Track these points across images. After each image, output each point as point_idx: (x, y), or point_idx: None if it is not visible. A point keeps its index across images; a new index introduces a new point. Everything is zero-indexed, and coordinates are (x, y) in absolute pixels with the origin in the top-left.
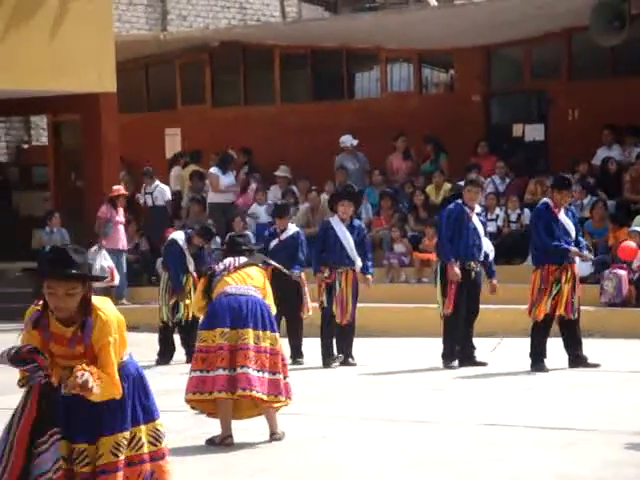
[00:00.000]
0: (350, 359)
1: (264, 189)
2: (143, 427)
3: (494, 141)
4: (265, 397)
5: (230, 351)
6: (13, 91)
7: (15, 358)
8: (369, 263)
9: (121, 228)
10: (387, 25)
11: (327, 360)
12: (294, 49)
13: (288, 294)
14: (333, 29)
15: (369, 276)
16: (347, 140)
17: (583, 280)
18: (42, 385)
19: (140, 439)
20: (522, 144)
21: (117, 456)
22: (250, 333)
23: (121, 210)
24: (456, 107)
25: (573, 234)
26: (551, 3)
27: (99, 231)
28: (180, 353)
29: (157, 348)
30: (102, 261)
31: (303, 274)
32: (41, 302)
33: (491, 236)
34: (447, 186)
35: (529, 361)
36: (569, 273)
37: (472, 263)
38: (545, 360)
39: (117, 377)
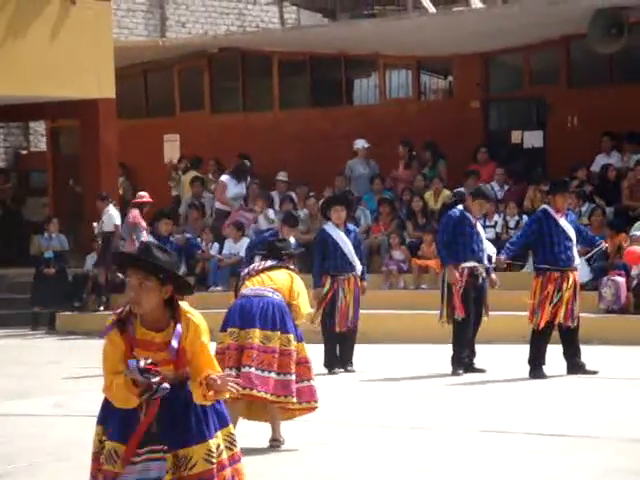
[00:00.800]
0: (349, 366)
1: (265, 197)
2: (219, 433)
3: (493, 148)
4: (269, 397)
5: (237, 350)
6: (12, 97)
7: (145, 370)
8: (364, 269)
9: (145, 234)
10: (385, 32)
11: (332, 367)
12: (293, 56)
13: None
14: (332, 36)
15: (364, 282)
16: (359, 143)
17: (581, 287)
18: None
19: (219, 445)
20: (521, 151)
21: (212, 463)
22: (256, 333)
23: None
24: (455, 114)
25: (574, 238)
26: (550, 10)
27: (131, 235)
28: None
29: None
30: None
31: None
32: (127, 308)
33: (490, 242)
34: (446, 193)
35: (528, 368)
36: (570, 280)
37: (480, 267)
38: (544, 367)
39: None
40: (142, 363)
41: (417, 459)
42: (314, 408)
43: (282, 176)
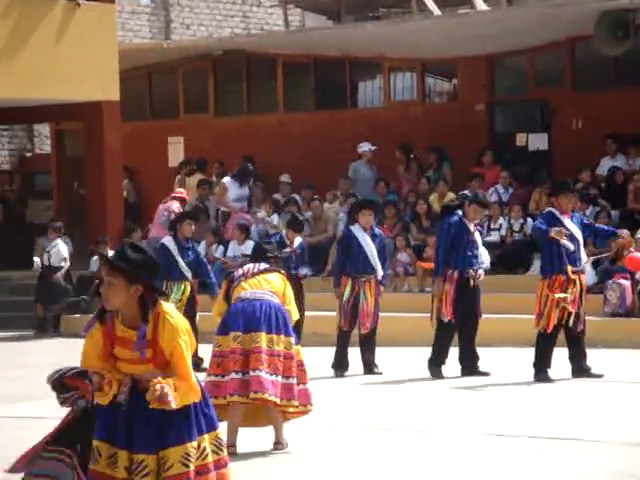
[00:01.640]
0: (375, 368)
1: (271, 201)
2: (207, 436)
3: (497, 150)
4: (278, 400)
5: (243, 355)
6: (16, 99)
7: (56, 384)
8: (385, 273)
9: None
10: (390, 34)
11: (339, 370)
12: (297, 58)
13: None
14: (336, 38)
15: (382, 287)
16: (365, 146)
17: (587, 290)
18: (81, 409)
19: (205, 448)
20: (525, 153)
21: (188, 466)
22: (263, 337)
23: None
24: (459, 116)
25: (581, 239)
26: (555, 12)
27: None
28: None
29: None
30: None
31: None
32: None
33: (494, 245)
34: (450, 195)
35: (532, 371)
36: (577, 283)
37: (470, 271)
38: (549, 370)
39: (194, 380)
40: (64, 372)
41: (420, 463)
42: (308, 411)
43: (285, 178)
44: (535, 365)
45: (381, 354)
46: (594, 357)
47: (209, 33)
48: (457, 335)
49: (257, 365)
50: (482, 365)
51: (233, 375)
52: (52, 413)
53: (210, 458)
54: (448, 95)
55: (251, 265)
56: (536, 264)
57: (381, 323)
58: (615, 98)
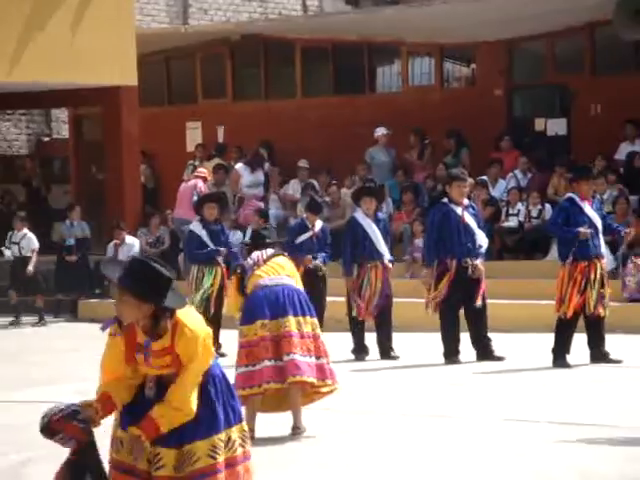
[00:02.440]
0: (392, 352)
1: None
2: (234, 428)
3: (516, 135)
4: (315, 381)
5: (273, 341)
6: (34, 84)
7: (45, 428)
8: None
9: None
10: (409, 18)
11: (359, 355)
12: (315, 43)
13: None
14: (354, 22)
15: (389, 265)
16: (379, 130)
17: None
18: (78, 448)
19: (235, 441)
20: (544, 138)
21: (215, 458)
22: (291, 320)
23: None
24: (478, 101)
25: (600, 226)
26: None
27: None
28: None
29: None
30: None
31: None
32: None
33: (512, 231)
34: (469, 181)
35: (551, 356)
36: (598, 268)
37: (468, 259)
38: (567, 356)
39: (192, 398)
40: (50, 416)
41: (438, 447)
42: (335, 389)
43: (303, 163)
44: (554, 350)
45: (398, 339)
46: (612, 342)
47: (227, 18)
48: (466, 322)
49: (290, 349)
50: (499, 350)
51: (267, 363)
52: (71, 398)
53: (239, 451)
54: (466, 80)
55: (258, 253)
56: (554, 250)
57: (397, 309)
58: (634, 83)
